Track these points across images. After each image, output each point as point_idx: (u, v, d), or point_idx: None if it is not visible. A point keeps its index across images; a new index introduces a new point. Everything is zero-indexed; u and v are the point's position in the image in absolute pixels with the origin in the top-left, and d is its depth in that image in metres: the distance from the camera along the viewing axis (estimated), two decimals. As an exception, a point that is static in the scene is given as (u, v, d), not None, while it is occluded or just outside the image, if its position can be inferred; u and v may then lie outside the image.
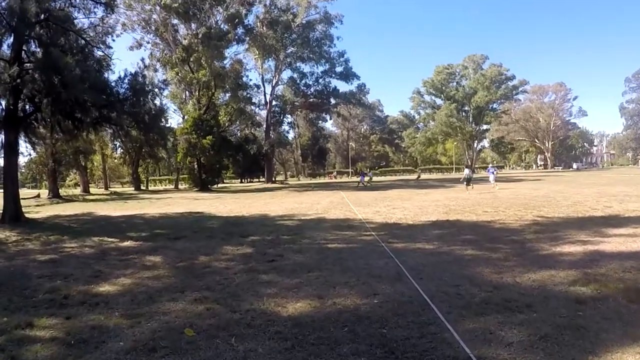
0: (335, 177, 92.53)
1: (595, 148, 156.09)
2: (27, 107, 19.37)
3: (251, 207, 23.07)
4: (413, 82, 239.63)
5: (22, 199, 41.94)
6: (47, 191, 46.47)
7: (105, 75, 20.75)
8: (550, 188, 30.32)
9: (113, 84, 19.87)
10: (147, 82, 22.48)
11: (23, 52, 18.94)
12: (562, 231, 11.51)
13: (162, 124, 27.81)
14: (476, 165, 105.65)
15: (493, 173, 34.98)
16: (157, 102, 27.47)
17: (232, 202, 28.74)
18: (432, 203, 21.09)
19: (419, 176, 73.41)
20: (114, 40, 24.49)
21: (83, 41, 20.41)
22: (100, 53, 22.04)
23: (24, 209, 23.28)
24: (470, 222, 13.89)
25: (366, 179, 49.61)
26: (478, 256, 8.74)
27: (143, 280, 7.86)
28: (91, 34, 21.86)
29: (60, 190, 48.50)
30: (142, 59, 21.57)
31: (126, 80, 20.04)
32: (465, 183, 30.82)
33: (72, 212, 25.31)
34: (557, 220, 13.80)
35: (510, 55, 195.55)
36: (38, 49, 18.96)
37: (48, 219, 21.70)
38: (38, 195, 45.69)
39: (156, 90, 24.16)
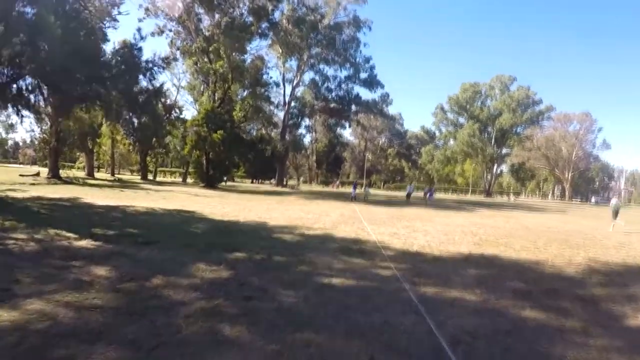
0: (338, 187, 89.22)
1: (614, 183, 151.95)
2: (7, 71, 16.96)
3: (250, 212, 20.36)
4: (434, 99, 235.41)
5: (20, 175, 41.21)
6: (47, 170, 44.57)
7: (102, 47, 18.32)
8: (580, 222, 27.52)
9: (107, 57, 17.40)
10: (142, 58, 19.92)
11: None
12: (632, 285, 8.96)
13: (164, 111, 25.36)
14: (493, 190, 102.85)
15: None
16: (157, 83, 24.82)
17: (232, 203, 26.12)
18: (456, 228, 18.34)
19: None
20: (119, 13, 21.93)
21: (80, 7, 18.02)
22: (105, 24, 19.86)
23: (16, 186, 22.03)
24: (512, 261, 11.16)
25: (358, 191, 41.24)
26: (544, 323, 6.08)
27: (57, 307, 5.44)
28: (96, 4, 19.62)
29: (62, 171, 46.80)
30: (139, 29, 18.72)
31: (119, 53, 17.56)
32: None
33: (58, 195, 23.17)
34: (616, 267, 11.10)
35: (537, 78, 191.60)
36: (28, 9, 16.67)
37: (24, 200, 19.60)
38: (37, 174, 44.11)
39: (154, 68, 21.44)
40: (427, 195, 47.89)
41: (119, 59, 17.69)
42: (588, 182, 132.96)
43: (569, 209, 49.20)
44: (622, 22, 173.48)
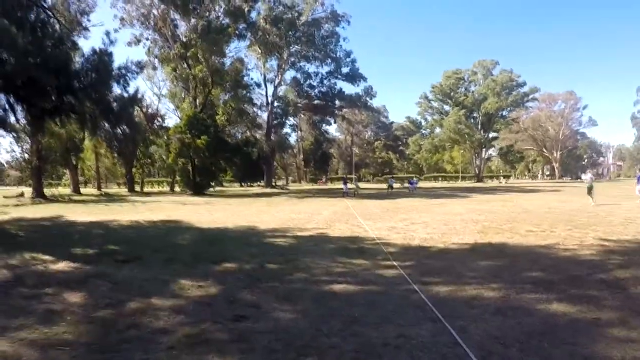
0: (326, 184, 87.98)
1: (602, 159, 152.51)
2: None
3: (240, 217, 19.54)
4: (417, 89, 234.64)
5: (4, 197, 40.01)
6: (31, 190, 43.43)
7: (73, 57, 17.36)
8: (580, 201, 26.79)
9: (78, 67, 16.45)
10: (114, 65, 18.87)
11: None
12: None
13: (145, 120, 24.42)
14: (483, 175, 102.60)
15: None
16: (132, 90, 23.59)
17: (221, 209, 25.29)
18: (455, 217, 17.64)
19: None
20: (89, 21, 20.88)
21: (47, 17, 17.09)
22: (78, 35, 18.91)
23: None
24: (522, 248, 10.46)
25: (350, 186, 42.74)
26: (577, 317, 5.35)
27: (21, 348, 4.65)
28: (65, 14, 18.67)
29: (46, 189, 45.91)
30: (107, 33, 17.50)
31: (90, 61, 16.63)
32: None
33: (40, 216, 22.31)
34: (631, 246, 10.44)
35: (519, 62, 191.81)
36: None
37: (3, 223, 18.69)
38: (22, 195, 42.98)
39: (128, 74, 20.37)
40: (410, 185, 47.99)
41: (89, 67, 16.72)
42: (577, 160, 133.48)
43: (563, 188, 48.68)
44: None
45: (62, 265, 9.20)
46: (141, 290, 6.96)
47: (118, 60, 19.16)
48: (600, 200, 24.80)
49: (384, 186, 58.63)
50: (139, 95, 29.92)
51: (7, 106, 16.45)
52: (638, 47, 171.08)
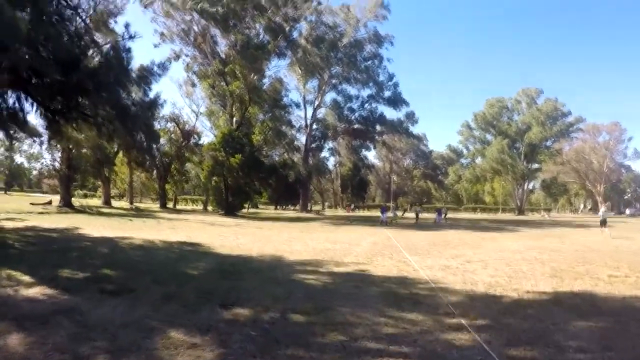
0: (353, 210, 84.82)
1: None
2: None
3: (268, 243, 17.37)
4: (456, 117, 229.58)
5: (31, 204, 39.37)
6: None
7: (92, 55, 15.80)
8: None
9: (94, 65, 14.78)
10: (132, 61, 17.12)
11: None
12: None
13: (182, 137, 22.72)
14: (525, 207, 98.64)
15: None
16: (153, 94, 21.56)
17: (250, 232, 23.25)
18: (514, 255, 15.16)
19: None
20: (115, 22, 19.14)
21: (69, 11, 15.66)
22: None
23: (20, 215, 23.88)
24: (617, 300, 8.24)
25: (389, 214, 40.79)
26: None
27: None
28: (90, 12, 17.21)
29: (75, 199, 46.34)
30: (126, 25, 15.95)
31: (105, 56, 14.94)
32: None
33: (54, 226, 21.00)
34: None
35: (563, 91, 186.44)
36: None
37: (9, 231, 17.56)
38: (49, 202, 42.74)
39: (148, 76, 18.52)
40: (438, 217, 44.46)
41: (103, 63, 15.01)
42: (620, 194, 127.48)
43: (612, 224, 45.13)
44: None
45: (36, 291, 7.44)
46: (112, 343, 4.99)
47: (130, 50, 17.24)
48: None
49: (424, 215, 55.72)
50: (160, 101, 27.72)
51: (16, 103, 14.88)
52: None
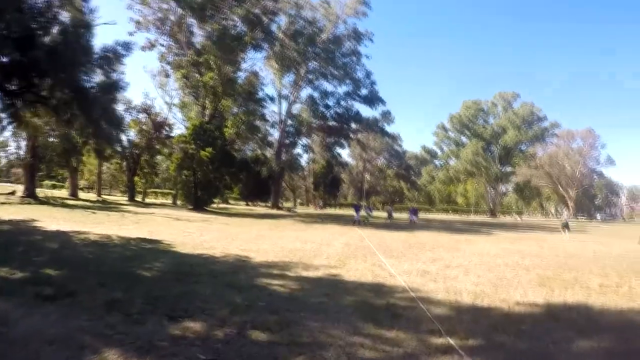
0: (322, 208, 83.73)
1: (618, 199, 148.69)
2: None
3: (234, 241, 16.24)
4: (430, 119, 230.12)
5: None
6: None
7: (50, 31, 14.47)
8: (618, 244, 24.88)
9: (50, 42, 13.45)
10: (93, 39, 15.72)
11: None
12: None
13: (153, 128, 21.40)
14: (498, 209, 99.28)
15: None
16: (115, 75, 20.01)
17: (216, 228, 22.12)
18: (495, 260, 14.42)
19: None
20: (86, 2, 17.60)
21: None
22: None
23: None
24: (615, 313, 7.63)
25: (362, 213, 38.48)
26: None
27: None
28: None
29: (39, 190, 44.63)
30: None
31: (63, 33, 13.59)
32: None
33: (10, 218, 19.67)
34: None
35: (540, 96, 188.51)
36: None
37: None
38: (12, 193, 40.80)
39: (110, 54, 17.02)
40: (412, 216, 43.60)
41: (61, 41, 13.65)
42: (591, 199, 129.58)
43: (584, 228, 45.21)
44: (625, 42, 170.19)
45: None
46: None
47: (90, 27, 15.79)
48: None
49: (396, 215, 55.07)
50: (123, 84, 25.64)
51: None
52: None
